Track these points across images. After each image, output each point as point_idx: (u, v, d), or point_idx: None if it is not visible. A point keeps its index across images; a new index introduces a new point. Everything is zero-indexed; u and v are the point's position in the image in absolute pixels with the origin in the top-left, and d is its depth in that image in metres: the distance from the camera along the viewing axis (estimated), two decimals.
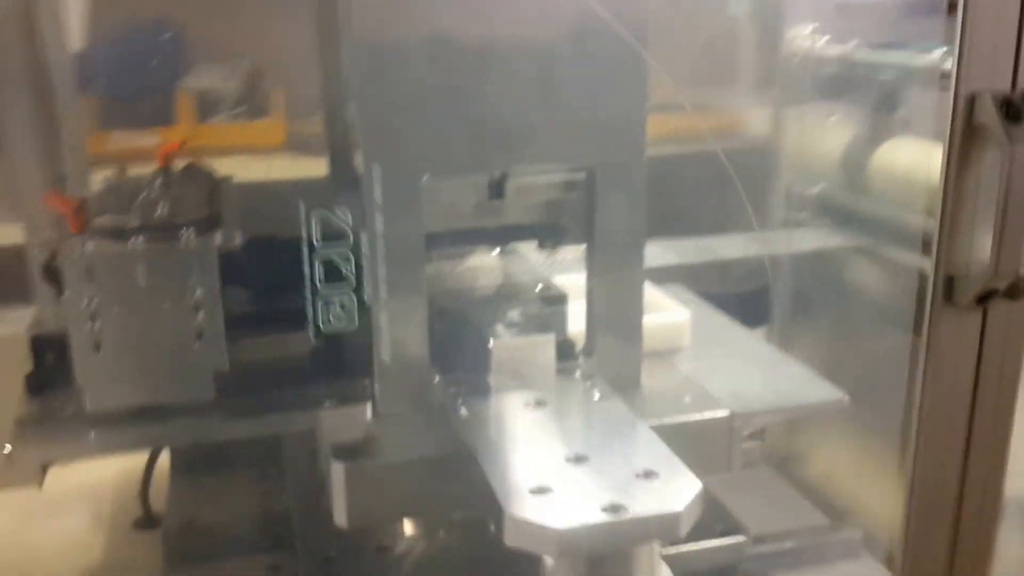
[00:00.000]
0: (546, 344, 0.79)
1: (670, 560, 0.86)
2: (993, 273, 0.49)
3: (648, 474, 0.66)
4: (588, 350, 0.84)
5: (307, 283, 0.79)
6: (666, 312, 0.95)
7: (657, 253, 1.13)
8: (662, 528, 0.63)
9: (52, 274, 0.81)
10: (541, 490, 0.64)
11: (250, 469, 1.02)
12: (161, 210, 0.81)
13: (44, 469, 0.79)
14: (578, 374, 0.82)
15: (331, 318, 0.80)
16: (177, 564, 0.93)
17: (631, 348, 0.84)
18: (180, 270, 0.75)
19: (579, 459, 0.68)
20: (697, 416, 0.81)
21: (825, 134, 1.18)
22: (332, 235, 0.77)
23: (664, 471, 0.66)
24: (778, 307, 1.27)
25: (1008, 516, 1.12)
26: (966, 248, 0.49)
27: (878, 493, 1.13)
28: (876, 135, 1.14)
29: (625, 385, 0.83)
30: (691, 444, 0.80)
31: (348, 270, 0.77)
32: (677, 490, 0.64)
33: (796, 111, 1.19)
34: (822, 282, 1.22)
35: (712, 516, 0.91)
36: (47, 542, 1.15)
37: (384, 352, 0.77)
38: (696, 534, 0.88)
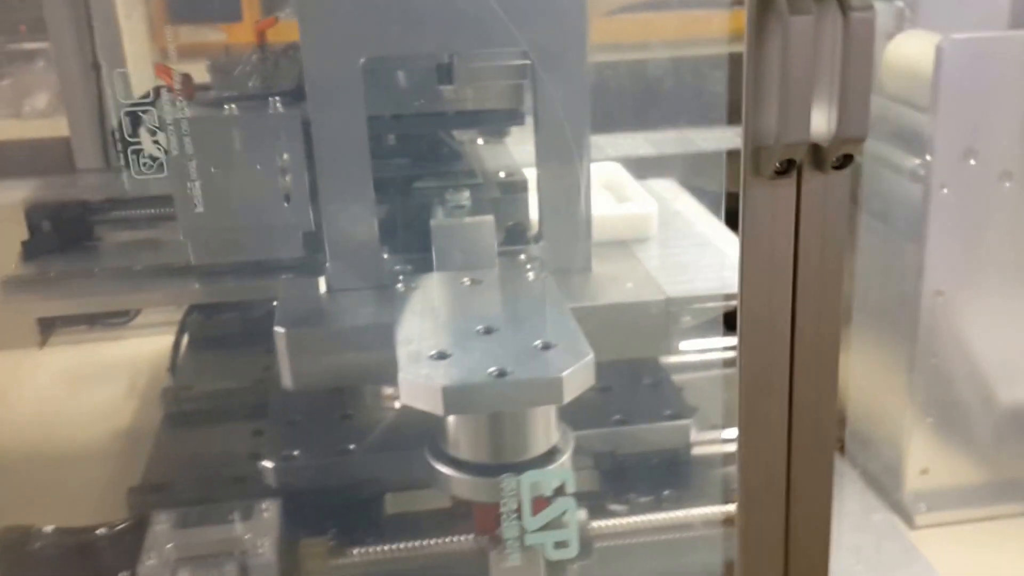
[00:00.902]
0: (484, 226, 0.83)
1: (612, 436, 0.90)
2: (782, 143, 0.49)
3: (546, 346, 0.69)
4: (538, 236, 0.87)
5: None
6: (633, 203, 0.97)
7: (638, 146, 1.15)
8: (544, 392, 0.67)
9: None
10: (441, 356, 0.69)
11: (252, 344, 1.10)
12: (254, 81, 0.89)
13: (43, 331, 0.89)
14: (522, 257, 0.86)
15: None
16: (172, 426, 1.02)
17: (579, 235, 0.86)
18: (268, 135, 0.81)
19: (489, 331, 0.72)
20: (632, 299, 0.83)
21: None
22: None
23: (563, 344, 0.70)
24: None
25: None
26: (771, 120, 0.50)
27: (881, 404, 1.14)
28: (884, 29, 1.11)
29: (575, 270, 0.86)
30: (628, 325, 0.84)
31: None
32: (565, 360, 0.67)
33: None
34: None
35: (663, 401, 0.94)
36: (85, 406, 1.27)
37: (334, 231, 0.82)
38: (644, 415, 0.92)
